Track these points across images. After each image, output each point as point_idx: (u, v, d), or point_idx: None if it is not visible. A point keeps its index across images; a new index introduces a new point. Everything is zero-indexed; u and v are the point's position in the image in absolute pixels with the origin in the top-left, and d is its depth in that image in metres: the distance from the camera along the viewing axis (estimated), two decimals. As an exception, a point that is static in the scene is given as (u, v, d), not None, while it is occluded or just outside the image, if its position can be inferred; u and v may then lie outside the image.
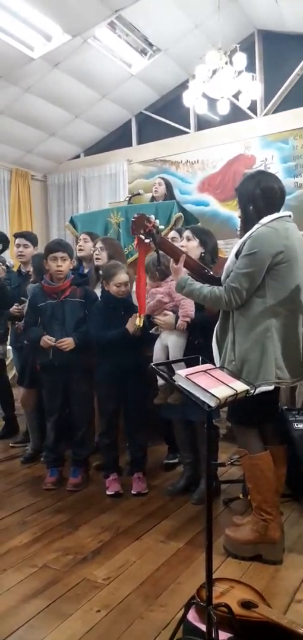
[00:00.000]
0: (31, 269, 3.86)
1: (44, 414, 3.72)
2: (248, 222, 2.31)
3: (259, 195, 2.28)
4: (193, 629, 1.71)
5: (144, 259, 2.80)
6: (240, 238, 2.33)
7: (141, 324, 2.92)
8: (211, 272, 2.58)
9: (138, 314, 2.90)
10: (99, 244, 3.63)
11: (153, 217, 2.49)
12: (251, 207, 2.29)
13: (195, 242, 2.93)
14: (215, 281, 2.43)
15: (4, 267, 4.25)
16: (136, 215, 2.49)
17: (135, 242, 2.56)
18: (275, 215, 2.26)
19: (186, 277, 2.43)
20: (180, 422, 3.12)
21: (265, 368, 2.21)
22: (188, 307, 2.91)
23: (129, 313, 3.14)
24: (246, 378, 2.10)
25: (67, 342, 3.19)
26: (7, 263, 4.42)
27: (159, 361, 2.90)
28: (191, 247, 2.92)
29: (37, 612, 2.03)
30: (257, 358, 2.22)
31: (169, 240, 3.39)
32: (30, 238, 4.23)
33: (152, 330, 3.08)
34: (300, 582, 2.17)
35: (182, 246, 2.94)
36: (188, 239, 2.94)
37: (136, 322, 2.95)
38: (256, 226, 2.24)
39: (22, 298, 3.89)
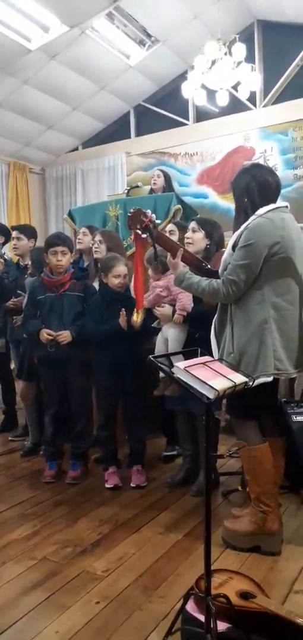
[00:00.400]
0: (29, 262, 3.84)
1: (43, 407, 3.73)
2: (241, 214, 2.30)
3: (254, 188, 2.28)
4: (191, 620, 1.72)
5: (142, 254, 2.79)
6: (233, 231, 2.33)
7: (139, 319, 2.92)
8: (209, 266, 2.58)
9: (135, 309, 2.90)
10: (97, 237, 3.62)
11: (149, 211, 2.48)
12: (246, 200, 2.29)
13: (200, 234, 2.92)
14: (213, 274, 2.42)
15: (1, 260, 4.24)
16: (132, 210, 2.49)
17: (132, 236, 2.56)
18: (271, 206, 2.25)
19: (185, 270, 2.43)
20: (183, 413, 3.12)
21: (264, 359, 2.21)
22: (185, 301, 2.91)
23: (127, 306, 3.14)
24: (245, 370, 2.10)
25: (65, 335, 3.19)
26: (5, 256, 4.41)
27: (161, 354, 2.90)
28: (197, 238, 2.91)
29: (37, 604, 2.05)
30: (256, 350, 2.22)
31: (167, 233, 3.39)
32: (25, 230, 4.22)
33: (154, 324, 3.09)
34: (298, 573, 2.18)
35: (187, 237, 2.94)
36: (194, 231, 2.94)
37: (133, 317, 2.95)
38: (252, 217, 2.24)
39: (19, 292, 3.89)
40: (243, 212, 2.29)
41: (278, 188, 2.35)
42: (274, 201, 2.30)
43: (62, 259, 3.25)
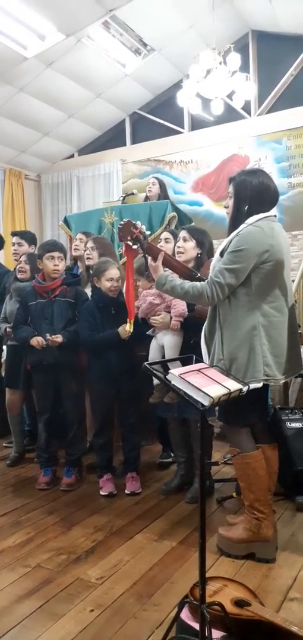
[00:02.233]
0: (25, 267, 3.82)
1: (33, 416, 3.74)
2: (238, 218, 2.30)
3: (257, 191, 2.29)
4: (186, 628, 1.71)
5: (132, 265, 2.80)
6: (229, 233, 2.34)
7: (131, 329, 2.93)
8: (199, 274, 2.59)
9: (128, 319, 2.90)
10: (90, 244, 3.63)
11: (139, 223, 2.51)
12: (246, 203, 2.29)
13: (191, 243, 2.92)
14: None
15: None
16: (122, 223, 2.52)
17: (123, 248, 2.58)
18: (261, 215, 2.27)
19: (166, 273, 2.44)
20: (175, 420, 3.12)
21: (254, 365, 2.22)
22: (180, 307, 2.91)
23: (120, 312, 3.14)
24: (235, 375, 2.11)
25: (57, 338, 3.18)
26: None
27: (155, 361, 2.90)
28: (188, 247, 2.92)
29: (31, 612, 2.03)
30: (245, 356, 2.23)
31: (163, 241, 3.41)
32: (25, 237, 4.22)
33: (149, 332, 3.09)
34: (293, 581, 2.18)
35: (179, 247, 2.95)
36: (185, 240, 2.94)
37: (126, 327, 2.96)
38: (243, 225, 2.26)
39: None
40: (241, 216, 2.29)
41: (276, 196, 2.37)
42: (270, 208, 2.32)
43: (59, 264, 3.27)
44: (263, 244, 2.22)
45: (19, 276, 3.78)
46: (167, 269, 2.51)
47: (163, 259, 2.45)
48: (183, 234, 2.98)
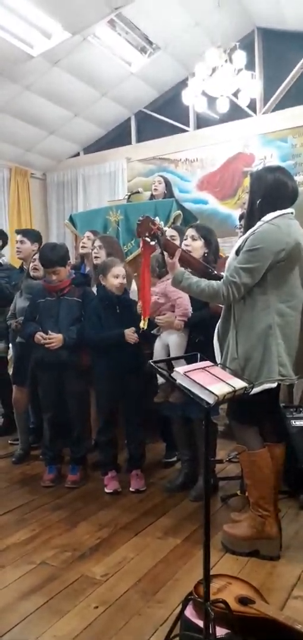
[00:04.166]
0: (39, 266, 3.82)
1: (38, 413, 3.75)
2: (253, 212, 2.28)
3: (273, 187, 2.26)
4: (190, 625, 1.72)
5: (149, 262, 2.79)
6: (243, 233, 2.33)
7: (146, 327, 2.93)
8: (216, 272, 2.57)
9: (142, 317, 2.90)
10: (97, 242, 3.64)
11: (157, 219, 2.50)
12: (259, 198, 2.27)
13: (200, 242, 2.92)
14: (219, 280, 2.42)
15: None
16: (141, 219, 2.50)
17: (141, 244, 2.58)
18: (278, 212, 2.24)
19: (183, 270, 2.42)
20: (179, 419, 3.12)
21: (269, 365, 2.21)
22: (184, 306, 2.91)
23: (125, 311, 3.15)
24: (249, 376, 2.12)
25: (56, 340, 3.19)
26: (1, 260, 4.41)
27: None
28: (196, 246, 2.91)
29: (35, 608, 2.04)
30: (260, 355, 2.22)
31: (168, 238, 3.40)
32: (28, 234, 4.23)
33: (154, 331, 3.09)
34: (297, 579, 2.18)
35: (187, 245, 2.94)
36: (193, 239, 2.93)
37: (140, 324, 2.96)
38: (259, 223, 2.24)
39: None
40: (256, 208, 2.28)
41: (295, 194, 2.32)
42: (288, 206, 2.29)
43: (55, 277, 3.29)
44: (280, 242, 2.20)
45: (32, 274, 3.79)
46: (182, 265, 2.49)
47: (180, 255, 2.45)
48: (191, 232, 2.97)
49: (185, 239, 2.97)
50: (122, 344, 3.08)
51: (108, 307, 3.19)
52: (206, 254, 2.91)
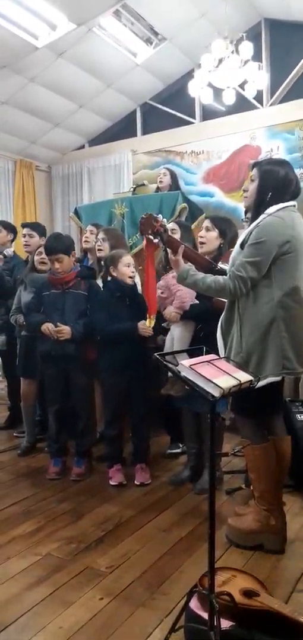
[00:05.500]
0: (46, 259, 3.81)
1: (44, 406, 3.75)
2: (261, 204, 2.27)
3: (283, 182, 2.26)
4: (195, 617, 1.72)
5: (153, 258, 2.79)
6: (249, 225, 2.32)
7: (152, 324, 2.93)
8: (219, 266, 2.56)
9: (147, 314, 2.90)
10: (101, 235, 3.62)
11: (160, 216, 2.50)
12: (270, 191, 2.26)
13: (214, 233, 2.91)
14: (224, 275, 2.41)
15: (0, 256, 4.25)
16: (144, 216, 2.50)
17: (144, 242, 2.57)
18: (281, 205, 2.24)
19: (188, 267, 2.42)
20: (190, 412, 3.12)
21: (273, 359, 2.20)
22: (182, 298, 2.91)
23: (134, 303, 3.14)
24: (253, 369, 2.11)
25: (65, 331, 3.19)
26: (5, 252, 4.41)
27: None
28: (210, 237, 2.90)
29: (41, 599, 2.06)
30: (264, 349, 2.21)
31: (170, 232, 3.39)
32: (36, 228, 4.24)
33: (164, 324, 3.10)
34: (301, 572, 2.18)
35: (201, 236, 2.93)
36: (208, 230, 2.93)
37: (146, 323, 2.97)
38: (262, 216, 2.23)
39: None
40: (266, 201, 2.26)
41: (298, 189, 2.33)
42: (290, 201, 2.29)
43: (59, 265, 3.26)
44: (284, 235, 2.19)
45: (39, 267, 3.78)
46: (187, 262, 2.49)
47: (183, 252, 2.44)
48: (206, 223, 2.97)
49: (200, 230, 2.96)
50: (133, 337, 3.08)
51: (119, 299, 3.18)
52: (221, 245, 2.90)
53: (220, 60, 5.39)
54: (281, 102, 6.61)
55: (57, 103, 6.94)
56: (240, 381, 1.67)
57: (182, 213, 4.08)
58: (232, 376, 1.68)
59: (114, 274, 3.19)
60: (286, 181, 2.28)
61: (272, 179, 2.28)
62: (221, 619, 1.60)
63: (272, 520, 2.34)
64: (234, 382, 1.66)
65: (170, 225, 3.47)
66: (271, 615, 1.72)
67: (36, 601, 2.04)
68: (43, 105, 6.91)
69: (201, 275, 2.37)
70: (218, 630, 1.58)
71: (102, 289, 3.36)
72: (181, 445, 3.55)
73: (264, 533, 2.35)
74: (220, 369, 1.70)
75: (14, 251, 4.55)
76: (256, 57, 5.75)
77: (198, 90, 5.86)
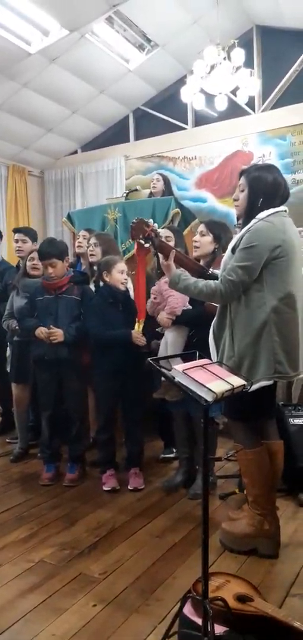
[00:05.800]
0: (39, 265, 3.80)
1: (36, 411, 3.73)
2: (253, 211, 2.27)
3: (272, 187, 2.28)
4: (189, 623, 1.72)
5: (144, 263, 2.80)
6: (241, 230, 2.33)
7: (140, 329, 2.93)
8: (211, 271, 2.57)
9: (137, 319, 2.90)
10: (92, 240, 3.62)
11: (151, 221, 2.50)
12: (260, 197, 2.27)
13: (208, 237, 2.92)
14: (216, 279, 2.42)
15: None
16: (134, 221, 2.51)
17: (135, 247, 2.58)
18: (272, 210, 2.25)
19: (179, 272, 2.42)
20: (182, 416, 3.12)
21: (265, 363, 2.21)
22: (173, 304, 2.91)
23: (127, 309, 3.14)
24: (245, 373, 2.11)
25: (57, 334, 3.18)
26: None
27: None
28: (205, 242, 2.91)
29: (34, 606, 2.04)
30: (256, 353, 2.22)
31: (163, 239, 3.40)
32: (29, 233, 4.22)
33: (158, 329, 3.10)
34: (295, 576, 2.18)
35: (195, 241, 2.94)
36: (202, 234, 2.93)
37: (135, 328, 2.97)
38: (253, 221, 2.24)
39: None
40: (257, 207, 2.27)
41: (287, 193, 2.35)
42: (280, 205, 2.30)
43: (52, 270, 3.26)
44: (275, 239, 2.21)
45: (32, 272, 3.77)
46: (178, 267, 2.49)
47: (174, 256, 2.44)
48: (200, 228, 2.97)
49: (195, 235, 2.97)
50: (126, 343, 3.08)
51: (112, 304, 3.18)
52: (215, 249, 2.90)
53: (212, 67, 5.43)
54: (273, 108, 6.66)
55: (50, 108, 6.95)
56: (233, 385, 1.68)
57: (175, 218, 4.10)
58: (225, 380, 1.69)
59: (107, 279, 3.19)
60: (275, 185, 2.29)
61: (261, 185, 2.29)
62: (215, 625, 1.59)
63: (266, 524, 2.34)
64: (227, 387, 1.66)
65: (165, 232, 3.49)
66: (265, 620, 1.71)
67: (29, 608, 2.03)
68: (36, 111, 6.92)
69: (193, 280, 2.38)
70: (212, 635, 1.57)
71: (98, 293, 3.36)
72: (174, 450, 3.55)
73: (258, 537, 2.35)
74: (213, 373, 1.70)
75: (1, 257, 4.53)
76: (248, 63, 5.80)
77: (191, 96, 5.89)
